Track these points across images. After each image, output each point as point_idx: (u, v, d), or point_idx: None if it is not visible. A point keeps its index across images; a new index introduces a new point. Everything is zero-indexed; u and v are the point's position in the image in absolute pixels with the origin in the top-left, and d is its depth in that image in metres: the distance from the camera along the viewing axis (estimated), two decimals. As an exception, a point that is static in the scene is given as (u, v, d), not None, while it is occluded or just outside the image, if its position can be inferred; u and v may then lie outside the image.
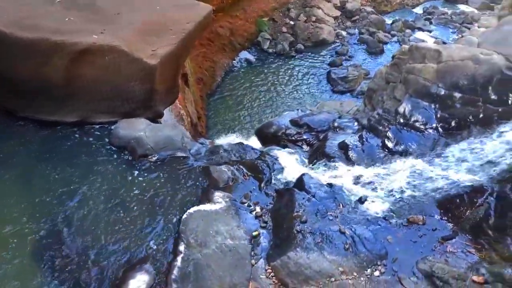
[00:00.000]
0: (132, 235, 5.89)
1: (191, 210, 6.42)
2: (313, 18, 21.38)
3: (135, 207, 6.30)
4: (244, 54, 19.17)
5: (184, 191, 6.90)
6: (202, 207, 6.53)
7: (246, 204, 7.07)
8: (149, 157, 7.23)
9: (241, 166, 7.80)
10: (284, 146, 8.88)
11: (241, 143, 8.69)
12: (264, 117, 13.24)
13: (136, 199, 6.44)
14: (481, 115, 7.30)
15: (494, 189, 6.36)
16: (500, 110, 7.13)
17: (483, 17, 24.92)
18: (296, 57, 19.52)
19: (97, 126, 7.60)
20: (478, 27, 23.09)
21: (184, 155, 7.55)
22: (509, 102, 7.12)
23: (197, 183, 7.11)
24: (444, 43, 21.69)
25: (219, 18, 17.99)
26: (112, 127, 7.47)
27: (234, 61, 18.38)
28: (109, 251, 5.60)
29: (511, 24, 8.14)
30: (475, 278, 5.48)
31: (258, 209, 7.00)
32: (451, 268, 5.68)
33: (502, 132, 6.78)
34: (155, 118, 8.15)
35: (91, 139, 7.34)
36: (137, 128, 7.40)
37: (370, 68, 18.55)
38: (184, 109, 10.59)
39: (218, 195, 6.93)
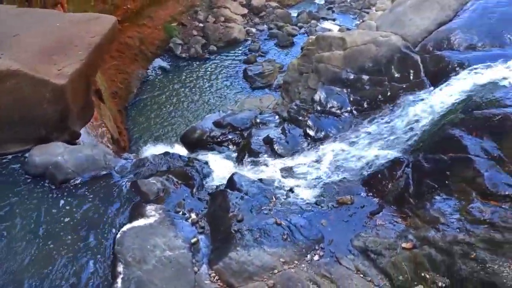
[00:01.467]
0: (66, 266, 5.60)
1: (125, 228, 6.23)
2: (222, 18, 21.53)
3: (65, 236, 5.99)
4: (158, 62, 18.85)
5: (114, 210, 6.67)
6: (135, 223, 6.36)
7: (180, 213, 6.99)
8: (72, 181, 6.89)
9: (170, 176, 7.69)
10: (211, 149, 8.90)
11: (167, 153, 8.57)
12: (187, 123, 13.15)
13: (65, 228, 6.12)
14: (388, 93, 7.80)
15: (409, 160, 6.84)
16: (404, 86, 7.66)
17: (379, 0, 26.56)
18: (211, 58, 19.54)
19: (11, 157, 7.11)
20: (376, 10, 24.58)
21: (109, 173, 7.29)
22: (411, 77, 7.67)
23: (127, 200, 6.90)
24: (348, 29, 22.85)
25: (126, 28, 17.52)
26: (27, 155, 7.03)
27: (148, 70, 18.01)
28: (42, 289, 5.28)
29: (402, 5, 8.79)
30: (404, 245, 5.87)
31: (193, 215, 6.95)
32: (382, 240, 6.04)
33: (408, 105, 7.29)
34: (72, 139, 7.79)
35: (4, 172, 6.86)
36: (54, 153, 7.02)
37: (283, 61, 19.04)
38: (103, 126, 10.22)
39: (150, 208, 6.78)
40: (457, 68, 7.01)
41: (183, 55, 19.47)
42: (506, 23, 7.32)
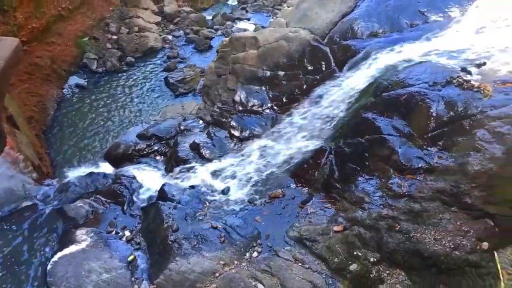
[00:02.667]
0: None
1: (55, 258, 5.98)
2: (136, 28, 21.05)
3: (-11, 277, 5.63)
4: (74, 80, 18.04)
5: (42, 241, 6.38)
6: (66, 251, 6.12)
7: (113, 232, 6.82)
8: (-10, 218, 6.49)
9: (98, 196, 7.47)
10: (138, 163, 8.72)
11: (91, 173, 8.30)
12: (110, 139, 12.74)
13: (-12, 268, 5.76)
14: (304, 86, 8.09)
15: (331, 147, 7.15)
16: (318, 77, 7.98)
17: (294, -3, 27.36)
18: (129, 70, 19.05)
19: None
20: (288, 6, 25.30)
21: (31, 203, 6.95)
22: (323, 68, 8.00)
23: (55, 228, 6.62)
24: (263, 27, 23.31)
25: (34, 48, 16.59)
26: None
27: (64, 90, 17.19)
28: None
29: (307, 1, 9.13)
30: (335, 228, 6.15)
31: (127, 233, 6.81)
32: (315, 227, 6.28)
33: (323, 95, 7.61)
34: (-15, 173, 7.30)
35: None
36: (-34, 191, 6.57)
37: (203, 65, 19.01)
38: (20, 154, 9.64)
39: (80, 233, 6.56)
40: (363, 55, 7.41)
41: (100, 69, 18.80)
42: (401, 9, 7.86)
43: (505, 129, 5.09)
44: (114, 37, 20.39)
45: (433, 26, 7.37)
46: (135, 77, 18.51)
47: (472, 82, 5.81)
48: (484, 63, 6.06)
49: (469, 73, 6.03)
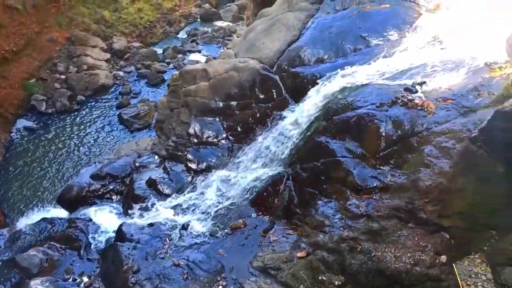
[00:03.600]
0: None
1: (8, 314, 5.63)
2: (85, 67, 20.71)
3: None
4: (22, 123, 17.44)
5: (-8, 297, 5.99)
6: (19, 305, 5.78)
7: (70, 279, 6.52)
8: None
9: (52, 243, 7.14)
10: (93, 204, 8.43)
11: (44, 219, 7.96)
12: (63, 182, 12.31)
13: None
14: (258, 114, 8.18)
15: (289, 173, 7.21)
16: (270, 105, 8.10)
17: (238, 27, 27.90)
18: (80, 109, 18.63)
19: None
20: (237, 37, 25.75)
21: (-22, 257, 6.53)
22: (275, 96, 8.14)
23: (7, 280, 6.24)
24: (214, 58, 23.54)
25: (-22, 93, 16.00)
26: None
27: (12, 134, 16.56)
28: None
29: (253, 31, 9.34)
30: (299, 254, 6.14)
31: (85, 279, 6.53)
32: (279, 255, 6.24)
33: (277, 122, 7.71)
34: None
35: None
36: None
37: (157, 99, 18.89)
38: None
39: (35, 283, 6.24)
40: (312, 81, 7.61)
41: (49, 110, 18.26)
42: (343, 35, 8.17)
43: (450, 144, 5.32)
44: (63, 76, 19.96)
45: (374, 49, 7.69)
46: (86, 116, 18.11)
47: (416, 101, 6.07)
48: (425, 82, 6.35)
49: (412, 92, 6.30)
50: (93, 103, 19.16)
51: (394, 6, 8.35)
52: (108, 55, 22.66)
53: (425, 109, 5.89)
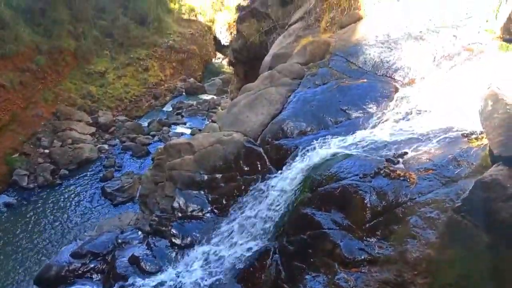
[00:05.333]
0: None
1: None
2: (69, 141, 20.81)
3: None
4: (2, 199, 17.13)
5: None
6: None
7: None
8: None
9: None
10: (73, 284, 8.06)
11: (20, 302, 7.52)
12: (41, 261, 11.85)
13: None
14: (243, 187, 8.17)
15: (275, 246, 7.08)
16: (255, 177, 8.13)
17: (222, 100, 28.65)
18: (63, 184, 18.43)
19: None
20: (221, 109, 26.38)
21: None
22: (259, 168, 8.20)
23: None
24: (199, 130, 23.88)
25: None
26: None
27: (-10, 211, 16.16)
28: None
29: (237, 106, 9.60)
30: (288, 333, 5.87)
31: None
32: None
33: (262, 195, 7.69)
34: None
35: None
36: None
37: (141, 172, 18.85)
38: None
39: None
40: (295, 152, 7.72)
41: (31, 185, 18.03)
42: (325, 108, 8.44)
43: (435, 214, 5.34)
44: (46, 151, 19.96)
45: (355, 122, 7.93)
46: (69, 191, 17.87)
47: (398, 171, 6.17)
48: (406, 153, 6.51)
49: (394, 163, 6.42)
50: (76, 177, 19.00)
51: (371, 80, 8.74)
52: (93, 129, 22.89)
53: (408, 180, 5.97)
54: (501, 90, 5.69)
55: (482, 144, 5.90)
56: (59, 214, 15.76)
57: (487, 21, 8.26)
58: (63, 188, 18.02)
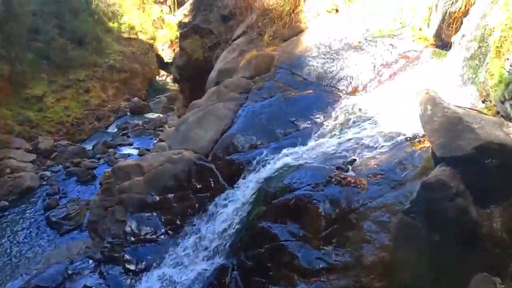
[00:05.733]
0: None
1: None
2: (8, 170, 19.64)
3: None
4: None
5: None
6: None
7: None
8: None
9: None
10: (20, 324, 7.57)
11: None
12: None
13: None
14: (196, 205, 8.06)
15: (234, 263, 6.99)
16: (208, 194, 8.04)
17: (169, 118, 28.25)
18: (3, 216, 17.32)
19: None
20: (169, 127, 25.97)
21: None
22: (212, 185, 8.12)
23: None
24: (147, 150, 23.36)
25: None
26: None
27: None
28: None
29: (185, 123, 9.49)
30: None
31: None
32: None
33: (216, 212, 7.61)
34: None
35: None
36: None
37: (88, 197, 18.13)
38: None
39: None
40: (247, 167, 7.72)
41: (-33, 221, 16.80)
42: (273, 120, 8.53)
43: (386, 218, 5.51)
44: (-17, 182, 18.72)
45: (304, 132, 8.07)
46: (11, 223, 16.82)
47: (349, 178, 6.32)
48: (354, 160, 6.69)
49: (344, 170, 6.57)
50: (18, 208, 17.95)
51: (316, 91, 8.94)
52: (33, 156, 21.78)
53: (359, 186, 6.12)
54: (438, 95, 6.01)
55: (425, 146, 6.18)
56: (1, 249, 14.78)
57: (420, 29, 8.73)
58: (3, 221, 16.93)
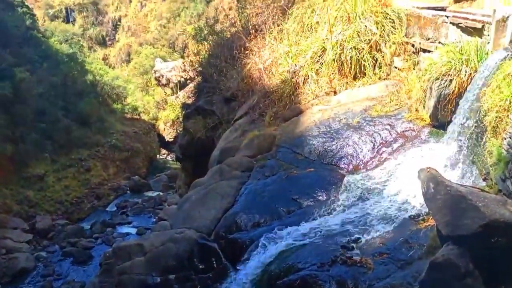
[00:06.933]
0: None
1: None
2: (3, 251, 19.32)
3: None
4: None
5: None
6: None
7: None
8: None
9: None
10: None
11: None
12: None
13: None
14: (198, 287, 7.82)
15: None
16: (211, 275, 7.84)
17: (169, 196, 28.20)
18: (-6, 300, 16.69)
19: None
20: (168, 205, 25.84)
21: None
22: (214, 265, 7.95)
23: None
24: (146, 229, 23.03)
25: None
26: None
27: None
28: None
29: (188, 201, 9.51)
30: None
31: None
32: None
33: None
34: None
35: None
36: None
37: (85, 278, 17.60)
38: None
39: None
40: (250, 246, 7.62)
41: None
42: (276, 198, 8.56)
43: (395, 299, 5.37)
44: (-23, 263, 18.27)
45: (307, 210, 8.07)
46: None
47: (354, 258, 6.22)
48: (359, 238, 6.63)
49: (349, 249, 6.49)
50: (9, 291, 17.35)
51: (318, 169, 9.07)
52: (30, 236, 21.53)
53: (365, 266, 6.02)
54: (439, 173, 6.12)
55: (429, 225, 6.17)
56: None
57: (416, 110, 9.07)
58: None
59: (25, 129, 27.56)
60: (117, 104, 40.53)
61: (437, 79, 8.29)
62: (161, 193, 30.01)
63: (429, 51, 9.81)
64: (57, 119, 30.54)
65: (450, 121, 7.92)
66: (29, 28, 35.54)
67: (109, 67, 51.26)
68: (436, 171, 6.20)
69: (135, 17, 61.75)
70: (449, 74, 8.06)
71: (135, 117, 41.97)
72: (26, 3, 39.55)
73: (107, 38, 61.39)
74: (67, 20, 59.12)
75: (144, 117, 43.44)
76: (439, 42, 9.48)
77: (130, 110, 41.61)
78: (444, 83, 8.13)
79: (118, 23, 61.98)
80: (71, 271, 19.09)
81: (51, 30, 45.87)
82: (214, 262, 7.98)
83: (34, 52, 33.56)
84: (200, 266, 8.02)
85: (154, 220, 24.02)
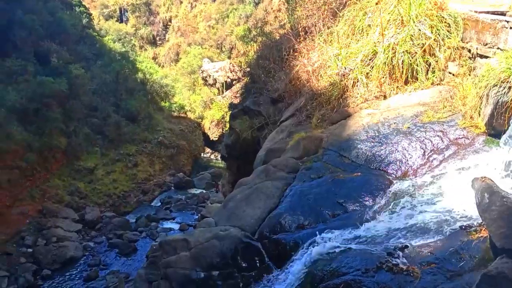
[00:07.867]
0: None
1: None
2: (54, 239, 20.24)
3: None
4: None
5: None
6: None
7: None
8: None
9: None
10: None
11: None
12: None
13: None
14: (241, 284, 7.90)
15: None
16: (253, 274, 7.90)
17: (211, 194, 28.65)
18: (45, 285, 17.55)
19: None
20: (211, 203, 26.24)
21: None
22: (258, 264, 8.01)
23: None
24: (189, 225, 23.50)
25: None
26: None
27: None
28: None
29: (233, 200, 9.63)
30: None
31: None
32: None
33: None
34: None
35: None
36: None
37: (128, 270, 18.19)
38: None
39: None
40: (294, 247, 7.63)
41: (11, 287, 17.08)
42: (322, 201, 8.51)
43: (444, 311, 5.21)
44: (30, 250, 19.31)
45: (352, 215, 7.97)
46: (51, 292, 16.98)
47: (400, 265, 6.09)
48: (407, 246, 6.48)
49: (395, 257, 6.36)
50: (59, 278, 18.22)
51: (365, 174, 8.95)
52: (79, 226, 22.46)
53: (411, 274, 5.88)
54: (494, 183, 5.89)
55: (482, 236, 5.95)
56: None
57: (471, 117, 8.76)
58: (44, 290, 17.13)
59: (78, 123, 28.81)
60: (165, 102, 41.59)
61: (494, 85, 7.98)
62: (204, 191, 30.56)
63: (486, 57, 9.46)
64: (108, 115, 31.76)
65: (507, 130, 7.60)
66: (85, 27, 37.20)
67: (159, 66, 52.71)
68: (492, 180, 5.97)
69: (185, 18, 63.19)
70: (508, 81, 7.74)
71: (182, 115, 42.92)
72: (83, 3, 41.35)
73: (157, 38, 63.23)
74: (120, 19, 61.45)
75: (190, 115, 44.32)
76: (498, 48, 9.12)
77: (177, 108, 42.59)
78: (502, 90, 7.81)
79: (169, 23, 63.69)
80: (116, 262, 19.74)
81: (106, 29, 47.83)
82: (257, 261, 8.04)
83: (89, 50, 35.08)
84: (243, 265, 8.11)
85: (197, 217, 24.47)
